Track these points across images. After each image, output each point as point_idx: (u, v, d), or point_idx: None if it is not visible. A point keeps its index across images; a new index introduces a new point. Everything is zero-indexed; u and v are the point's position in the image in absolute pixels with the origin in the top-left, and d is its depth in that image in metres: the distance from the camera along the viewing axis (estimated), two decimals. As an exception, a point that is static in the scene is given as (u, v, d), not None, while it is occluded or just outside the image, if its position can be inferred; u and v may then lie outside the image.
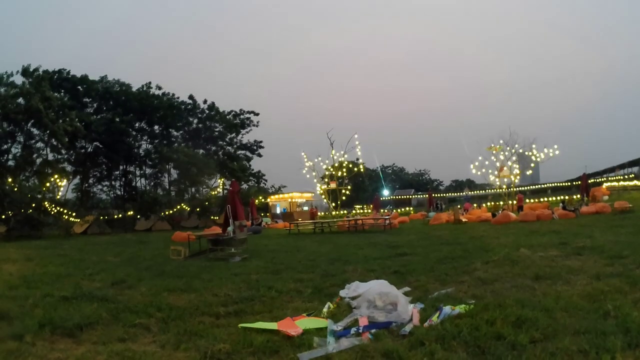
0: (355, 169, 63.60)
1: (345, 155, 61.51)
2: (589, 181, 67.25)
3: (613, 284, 10.36)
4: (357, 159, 68.71)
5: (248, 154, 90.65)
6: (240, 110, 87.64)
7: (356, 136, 60.43)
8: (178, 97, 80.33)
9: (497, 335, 7.30)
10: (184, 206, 66.68)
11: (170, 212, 64.70)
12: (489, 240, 22.09)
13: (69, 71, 71.80)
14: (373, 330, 8.10)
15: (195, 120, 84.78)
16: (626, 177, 74.28)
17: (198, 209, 66.39)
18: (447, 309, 8.80)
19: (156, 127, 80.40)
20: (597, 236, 20.36)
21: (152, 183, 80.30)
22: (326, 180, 63.56)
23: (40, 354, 7.73)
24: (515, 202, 52.31)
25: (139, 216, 63.93)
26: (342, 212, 64.39)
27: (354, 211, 79.20)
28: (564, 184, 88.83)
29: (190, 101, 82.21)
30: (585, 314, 8.24)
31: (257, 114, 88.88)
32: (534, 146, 56.81)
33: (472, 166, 58.25)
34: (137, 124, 77.84)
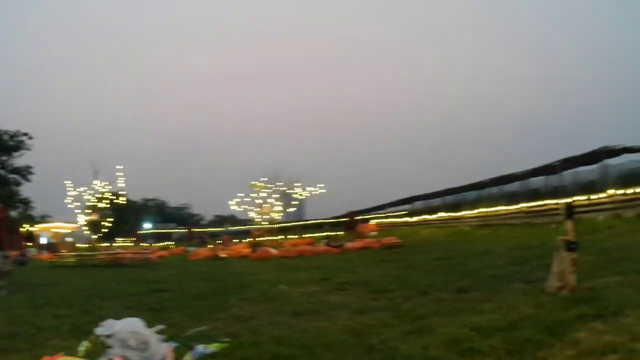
0: (117, 201, 62.79)
1: (109, 186, 60.67)
2: (357, 218, 68.81)
3: (378, 318, 10.37)
4: (121, 191, 67.72)
5: (18, 178, 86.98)
6: (17, 131, 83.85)
7: (120, 167, 59.63)
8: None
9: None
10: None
11: None
12: (248, 277, 21.99)
13: None
14: (128, 371, 7.74)
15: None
16: (397, 213, 76.58)
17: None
18: (200, 348, 8.52)
19: None
20: (362, 271, 20.72)
21: None
22: (88, 211, 62.41)
23: None
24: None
25: None
26: (104, 244, 63.38)
27: (115, 244, 78.12)
28: (329, 220, 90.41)
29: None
30: (348, 349, 8.16)
31: (32, 137, 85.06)
32: (297, 184, 57.92)
33: (232, 202, 58.57)
34: None
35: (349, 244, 40.30)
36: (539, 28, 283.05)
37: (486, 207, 48.35)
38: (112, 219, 67.41)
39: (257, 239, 51.76)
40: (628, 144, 39.12)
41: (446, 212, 57.05)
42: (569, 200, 26.89)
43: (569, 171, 48.06)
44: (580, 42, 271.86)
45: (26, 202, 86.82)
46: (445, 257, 23.95)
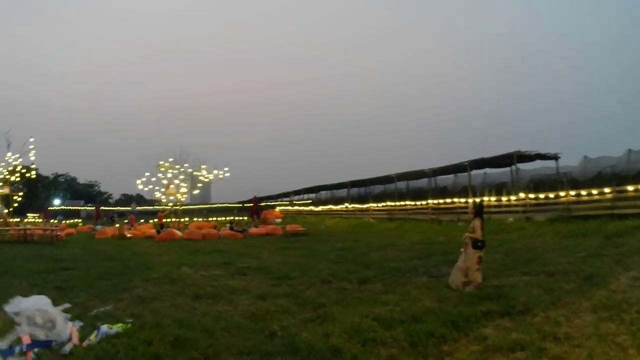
0: (28, 175, 61.65)
1: (20, 159, 59.51)
2: (261, 204, 68.78)
3: (280, 305, 10.57)
4: (32, 164, 66.28)
5: None
6: None
7: (32, 139, 58.49)
8: None
9: (155, 355, 7.24)
10: None
11: None
12: (152, 258, 21.90)
13: None
14: (36, 350, 7.71)
15: None
16: (303, 202, 76.85)
17: None
18: (104, 328, 8.52)
19: None
20: (265, 257, 20.87)
21: None
22: (0, 184, 61.14)
23: None
24: (179, 220, 52.76)
25: None
26: (14, 220, 62.12)
27: (26, 219, 76.72)
28: (235, 205, 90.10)
29: None
30: (249, 334, 8.34)
31: None
32: (203, 166, 57.61)
33: (138, 182, 57.97)
34: None
35: (253, 230, 40.26)
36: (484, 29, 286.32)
37: (393, 201, 48.81)
38: (22, 194, 66.30)
39: (162, 220, 51.67)
40: (542, 151, 39.92)
41: (352, 203, 57.46)
42: (478, 199, 27.26)
43: (480, 171, 48.82)
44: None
45: None
46: (349, 247, 24.22)
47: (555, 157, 40.22)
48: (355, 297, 11.24)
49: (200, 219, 62.05)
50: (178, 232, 37.69)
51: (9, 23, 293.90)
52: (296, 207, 73.59)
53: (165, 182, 56.22)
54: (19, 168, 58.70)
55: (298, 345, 7.60)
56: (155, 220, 56.64)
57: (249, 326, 8.85)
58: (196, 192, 62.37)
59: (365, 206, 51.97)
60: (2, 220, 51.54)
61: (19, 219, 62.61)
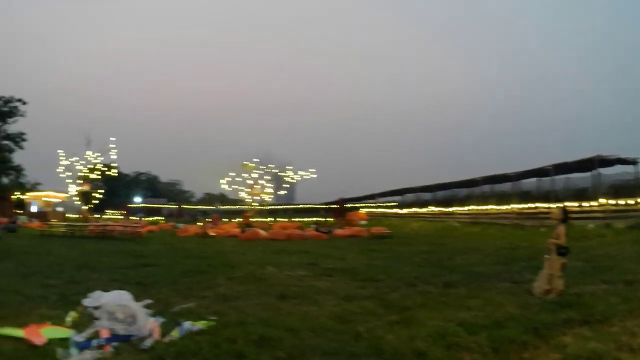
0: (109, 173, 62.59)
1: (101, 158, 60.49)
2: (347, 205, 68.72)
3: (365, 306, 10.40)
4: (113, 163, 67.27)
5: (11, 145, 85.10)
6: (10, 96, 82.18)
7: (113, 139, 59.53)
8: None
9: (239, 353, 7.13)
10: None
11: None
12: (236, 256, 21.97)
13: None
14: (114, 343, 7.75)
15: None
16: (388, 204, 76.53)
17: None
18: (187, 325, 8.55)
19: None
20: (350, 259, 20.77)
21: None
22: (79, 181, 62.20)
23: None
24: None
25: None
26: (94, 216, 63.14)
27: (105, 216, 77.80)
28: (320, 206, 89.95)
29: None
30: (335, 335, 8.17)
31: (25, 103, 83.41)
32: (289, 167, 57.80)
33: (222, 181, 58.37)
34: None
35: (338, 231, 40.31)
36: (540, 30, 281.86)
37: (477, 205, 48.35)
38: (102, 191, 67.39)
39: (248, 219, 51.67)
40: (622, 155, 39.05)
41: (437, 206, 57.07)
42: (561, 204, 26.79)
43: (562, 176, 47.96)
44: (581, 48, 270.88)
45: (18, 170, 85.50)
46: (434, 251, 24.01)
47: (634, 162, 39.33)
48: (439, 301, 11.03)
49: (285, 219, 62.37)
50: (262, 232, 37.67)
51: (87, 16, 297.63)
52: (381, 210, 73.06)
53: (250, 182, 56.63)
54: (99, 166, 59.68)
55: (383, 347, 7.44)
56: (240, 219, 56.91)
57: (335, 327, 8.70)
58: (283, 192, 62.74)
59: (450, 210, 51.62)
60: (82, 216, 52.56)
61: (98, 216, 63.70)
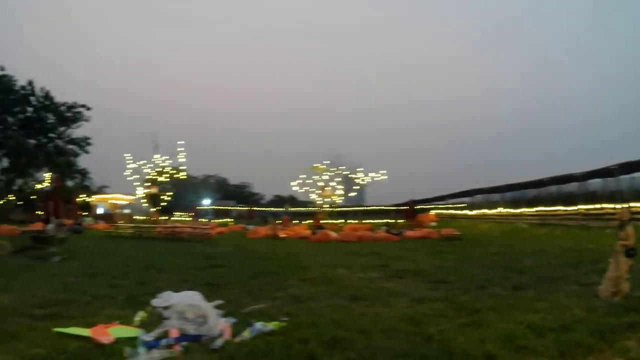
0: (177, 176, 63.28)
1: (169, 161, 61.19)
2: (417, 207, 68.45)
3: (436, 308, 10.35)
4: (181, 166, 67.95)
5: (76, 149, 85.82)
6: (74, 102, 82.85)
7: (181, 142, 60.22)
8: (17, 80, 77.16)
9: (311, 354, 7.16)
10: (12, 198, 64.84)
11: (-2, 203, 62.93)
12: (307, 258, 21.99)
13: None
14: (184, 343, 7.84)
15: (31, 109, 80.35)
16: (458, 205, 76.17)
17: (24, 202, 64.75)
18: (258, 325, 8.59)
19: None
20: (421, 260, 20.65)
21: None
22: (147, 184, 63.03)
23: None
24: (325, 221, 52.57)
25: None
26: (162, 218, 63.90)
27: (173, 218, 78.56)
28: (390, 207, 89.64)
29: (29, 87, 78.18)
30: (406, 336, 8.13)
31: (90, 109, 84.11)
32: (359, 169, 57.78)
33: (293, 183, 58.64)
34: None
35: (409, 233, 40.07)
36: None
37: (544, 206, 47.83)
38: (171, 193, 68.11)
39: (319, 221, 51.74)
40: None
41: (505, 207, 56.66)
42: (628, 205, 26.21)
43: (627, 176, 47.15)
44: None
45: (83, 173, 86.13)
46: (502, 252, 23.82)
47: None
48: (508, 304, 10.96)
49: (355, 221, 62.26)
50: (333, 234, 37.59)
51: (145, 21, 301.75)
52: (450, 211, 72.55)
53: (320, 184, 56.77)
54: (167, 169, 60.40)
55: (454, 350, 7.40)
56: (311, 221, 57.17)
57: (406, 329, 8.66)
58: (353, 194, 62.79)
59: (518, 211, 51.15)
60: (151, 217, 53.20)
61: (166, 217, 64.40)
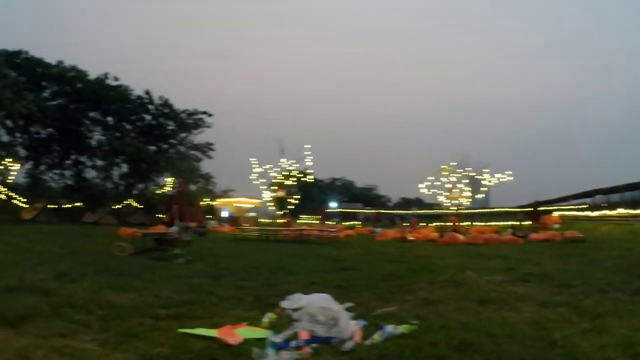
0: (304, 179, 63.93)
1: (296, 164, 61.93)
2: (540, 208, 67.55)
3: (561, 313, 10.30)
4: (308, 169, 68.62)
5: (199, 154, 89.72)
6: (194, 109, 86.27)
7: (307, 146, 60.84)
8: (133, 90, 79.52)
9: (440, 358, 7.21)
10: (132, 202, 66.54)
11: (118, 206, 64.54)
12: (435, 261, 21.94)
13: (28, 52, 71.32)
14: (313, 345, 7.96)
15: (149, 117, 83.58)
16: (579, 207, 74.84)
17: (145, 206, 66.31)
18: (389, 328, 8.67)
19: (109, 118, 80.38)
20: (546, 264, 20.37)
21: (102, 175, 79.11)
22: (274, 188, 63.92)
23: (-22, 343, 7.54)
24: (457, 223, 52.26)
25: (86, 208, 63.83)
26: (293, 220, 64.79)
27: (299, 221, 79.26)
28: (515, 209, 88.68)
29: (147, 96, 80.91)
30: (531, 341, 8.12)
31: (211, 115, 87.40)
32: (486, 170, 57.39)
33: (421, 185, 58.61)
34: (91, 114, 77.81)
35: (533, 235, 39.67)
36: None
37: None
38: (298, 196, 68.84)
39: (454, 224, 51.69)
40: None
41: (625, 208, 55.49)
42: None
43: None
44: None
45: (207, 177, 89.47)
46: (623, 256, 23.32)
47: None
48: (628, 309, 10.82)
49: (480, 223, 61.91)
50: (460, 236, 37.68)
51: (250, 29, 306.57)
52: (572, 212, 71.19)
53: (448, 186, 56.69)
54: (294, 172, 61.23)
55: (577, 356, 7.39)
56: (441, 223, 57.57)
57: (531, 334, 8.66)
58: (480, 196, 62.49)
59: (638, 212, 50.05)
60: (285, 220, 54.02)
61: (294, 220, 65.26)
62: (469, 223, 60.98)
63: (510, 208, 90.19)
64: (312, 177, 73.04)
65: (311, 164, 62.94)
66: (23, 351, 7.27)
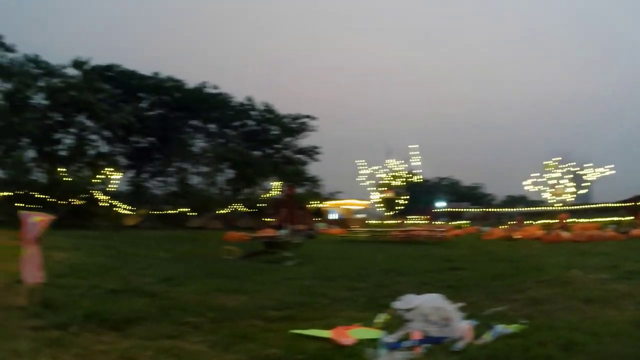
0: (412, 179, 64.03)
1: (403, 165, 62.08)
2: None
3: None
4: (414, 169, 68.72)
5: (305, 158, 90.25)
6: (297, 114, 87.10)
7: (414, 146, 61.01)
8: (234, 97, 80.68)
9: (548, 357, 7.31)
10: (238, 206, 67.29)
11: (224, 211, 65.28)
12: (541, 259, 21.84)
13: (120, 65, 73.38)
14: (425, 345, 8.10)
15: (253, 122, 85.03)
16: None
17: (252, 210, 67.00)
18: (499, 328, 8.79)
19: (211, 125, 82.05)
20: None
21: (207, 181, 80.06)
22: (382, 189, 64.17)
23: (84, 345, 7.88)
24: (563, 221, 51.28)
25: (191, 213, 65.17)
26: (397, 221, 64.81)
27: (407, 221, 79.28)
28: (618, 204, 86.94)
29: (249, 102, 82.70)
30: (634, 341, 8.16)
31: (315, 119, 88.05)
32: (588, 165, 56.60)
33: (526, 183, 58.15)
34: (191, 122, 79.61)
35: (635, 231, 38.79)
36: None
37: None
38: (406, 197, 68.93)
39: (563, 222, 50.70)
40: None
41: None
42: None
43: None
44: None
45: (314, 180, 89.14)
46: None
47: None
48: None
49: (584, 220, 61.14)
50: (565, 234, 37.39)
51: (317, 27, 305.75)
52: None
53: (551, 182, 56.11)
54: (402, 173, 61.51)
55: None
56: (548, 221, 56.76)
57: (634, 333, 8.71)
58: (584, 191, 61.68)
59: None
60: (399, 221, 54.24)
61: (401, 221, 65.39)
62: (573, 220, 60.10)
63: (612, 203, 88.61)
64: (419, 177, 73.06)
65: (419, 164, 63.19)
66: (128, 353, 7.60)
